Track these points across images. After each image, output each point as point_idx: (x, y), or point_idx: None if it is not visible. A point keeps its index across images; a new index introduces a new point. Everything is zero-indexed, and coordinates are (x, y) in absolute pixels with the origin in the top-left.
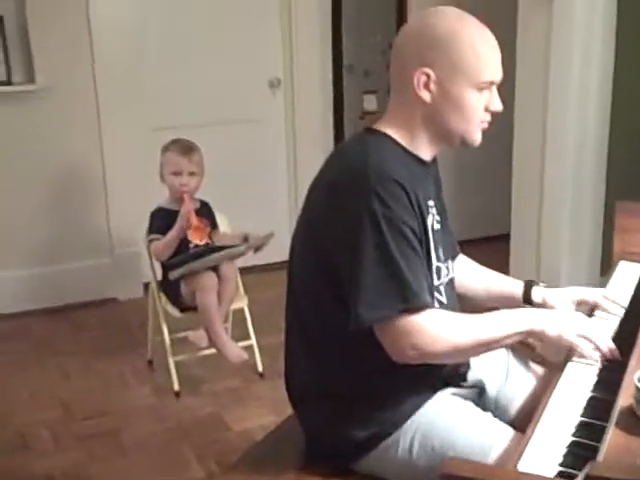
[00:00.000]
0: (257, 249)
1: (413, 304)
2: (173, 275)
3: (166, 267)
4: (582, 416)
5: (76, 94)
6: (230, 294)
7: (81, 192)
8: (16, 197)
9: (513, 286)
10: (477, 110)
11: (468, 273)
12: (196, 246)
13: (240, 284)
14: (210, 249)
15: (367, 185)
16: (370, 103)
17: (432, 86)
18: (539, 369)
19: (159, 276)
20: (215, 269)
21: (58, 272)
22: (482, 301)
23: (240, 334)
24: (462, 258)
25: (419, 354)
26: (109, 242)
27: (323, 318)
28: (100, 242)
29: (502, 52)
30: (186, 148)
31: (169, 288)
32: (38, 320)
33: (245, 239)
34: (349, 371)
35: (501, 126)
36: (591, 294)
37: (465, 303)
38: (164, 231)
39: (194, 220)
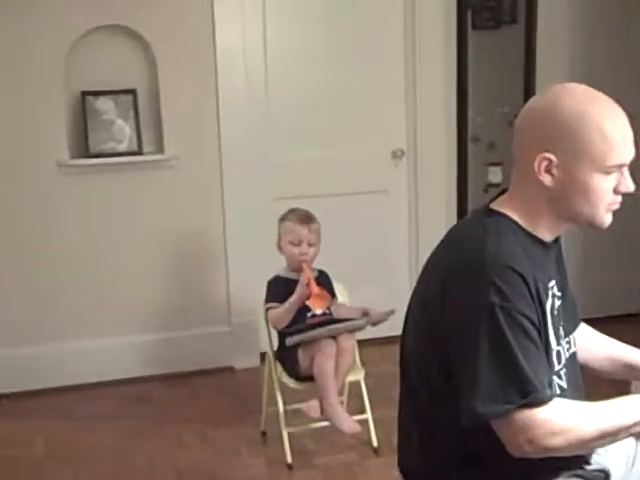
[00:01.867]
0: (376, 324)
1: (532, 399)
2: (292, 341)
3: (283, 335)
4: None
5: (202, 163)
6: (347, 366)
7: (202, 259)
8: (140, 263)
9: (638, 355)
10: (605, 194)
11: (590, 342)
12: (314, 315)
13: (357, 356)
14: (329, 320)
15: (484, 275)
16: (495, 175)
17: (554, 170)
18: None
19: (275, 345)
20: (333, 339)
21: (177, 339)
22: (606, 372)
23: (355, 407)
24: (583, 327)
25: (538, 448)
26: (227, 310)
27: (436, 402)
28: (219, 310)
29: (633, 125)
30: (305, 217)
31: (286, 356)
32: (157, 386)
33: (365, 313)
34: (464, 460)
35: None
36: None
37: (588, 374)
38: (282, 300)
39: (315, 288)
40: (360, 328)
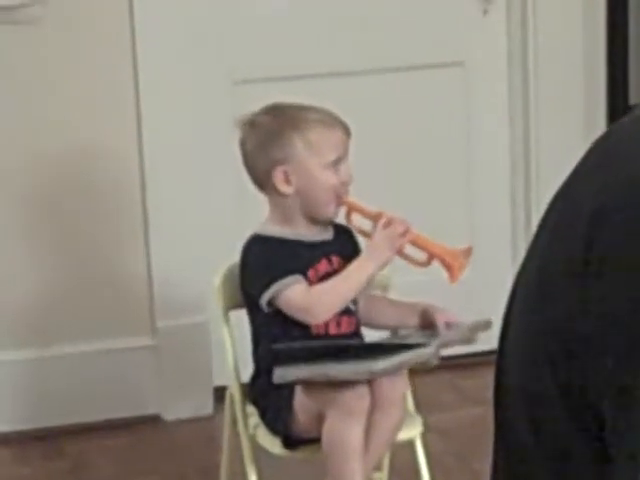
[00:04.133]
0: (459, 343)
1: None
2: (282, 377)
3: (266, 358)
4: None
5: (93, 12)
6: (390, 432)
7: (91, 205)
8: None
9: None
10: None
11: None
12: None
13: (409, 396)
14: (363, 346)
15: None
16: None
17: None
18: None
19: (248, 375)
20: (369, 382)
21: (44, 364)
22: None
23: None
24: None
25: None
26: (149, 308)
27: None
28: (131, 307)
29: None
30: (328, 114)
31: (268, 399)
32: (10, 456)
33: (425, 320)
34: None
35: None
36: None
37: None
38: (300, 273)
39: (432, 243)
40: (429, 361)
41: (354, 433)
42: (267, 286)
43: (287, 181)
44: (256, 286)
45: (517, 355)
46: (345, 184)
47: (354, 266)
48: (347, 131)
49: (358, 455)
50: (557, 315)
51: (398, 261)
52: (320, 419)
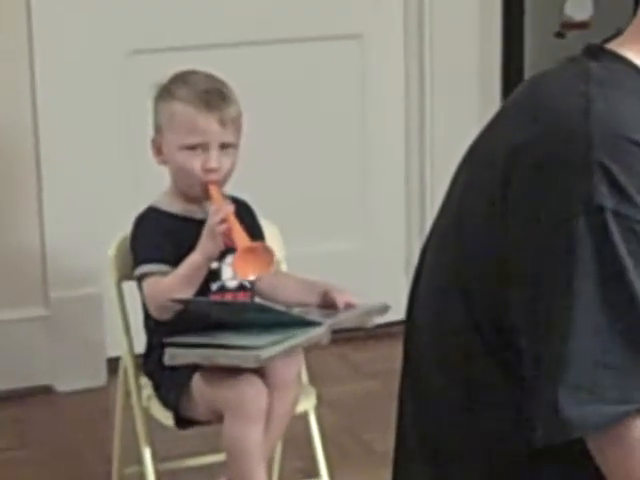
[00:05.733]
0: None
1: None
2: (173, 358)
3: (162, 329)
4: None
5: None
6: (285, 415)
7: None
8: None
9: None
10: None
11: None
12: (222, 290)
13: (304, 370)
14: (259, 306)
15: (585, 154)
16: (579, 4)
17: None
18: None
19: (141, 347)
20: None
21: None
22: None
23: (299, 467)
24: None
25: None
26: (42, 278)
27: (474, 420)
28: (24, 277)
29: None
30: (213, 95)
31: (163, 375)
32: None
33: (326, 300)
34: None
35: None
36: None
37: None
38: (170, 257)
39: (241, 235)
40: (320, 341)
41: (253, 437)
42: (137, 265)
43: (159, 152)
44: (133, 260)
45: (429, 298)
46: (211, 171)
47: (185, 261)
48: (224, 122)
49: (258, 457)
50: (477, 248)
51: (293, 232)
52: (216, 411)
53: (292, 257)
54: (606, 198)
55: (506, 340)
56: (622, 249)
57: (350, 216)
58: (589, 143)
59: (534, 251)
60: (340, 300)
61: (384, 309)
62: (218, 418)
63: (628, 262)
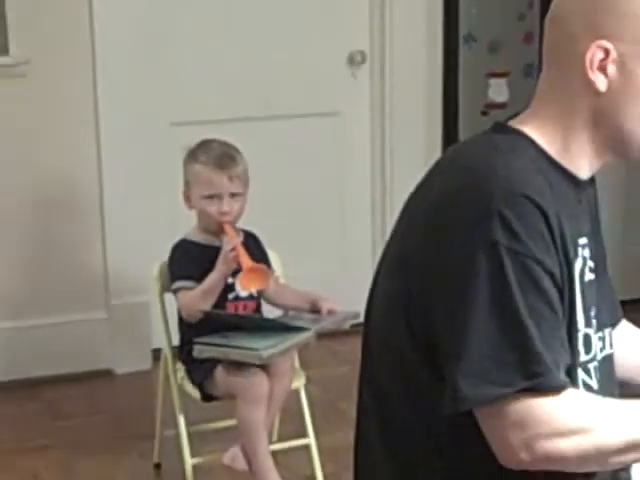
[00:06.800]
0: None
1: (538, 382)
2: (201, 352)
3: (191, 329)
4: None
5: (65, 69)
6: (282, 395)
7: (62, 213)
8: None
9: None
10: None
11: (633, 347)
12: (236, 299)
13: (296, 357)
14: (262, 318)
15: (488, 204)
16: (498, 91)
17: (610, 68)
18: None
19: (176, 340)
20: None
21: (28, 330)
22: None
23: (292, 429)
24: (624, 326)
25: (537, 456)
26: (104, 288)
27: (412, 398)
28: (91, 288)
29: None
30: (224, 158)
31: (193, 361)
32: (1, 399)
33: (314, 306)
34: (447, 477)
35: None
36: None
37: (630, 391)
38: (196, 275)
39: (246, 259)
40: (309, 344)
41: (258, 415)
42: (173, 281)
43: (187, 200)
44: (170, 278)
45: (379, 315)
46: (224, 214)
47: (206, 279)
48: (232, 178)
49: (262, 430)
50: (416, 279)
51: (290, 256)
52: (230, 392)
53: (288, 275)
54: (502, 237)
55: (433, 344)
56: (512, 277)
57: (330, 247)
58: (492, 197)
59: (449, 275)
60: (324, 307)
61: (357, 315)
62: (231, 396)
63: (515, 286)
